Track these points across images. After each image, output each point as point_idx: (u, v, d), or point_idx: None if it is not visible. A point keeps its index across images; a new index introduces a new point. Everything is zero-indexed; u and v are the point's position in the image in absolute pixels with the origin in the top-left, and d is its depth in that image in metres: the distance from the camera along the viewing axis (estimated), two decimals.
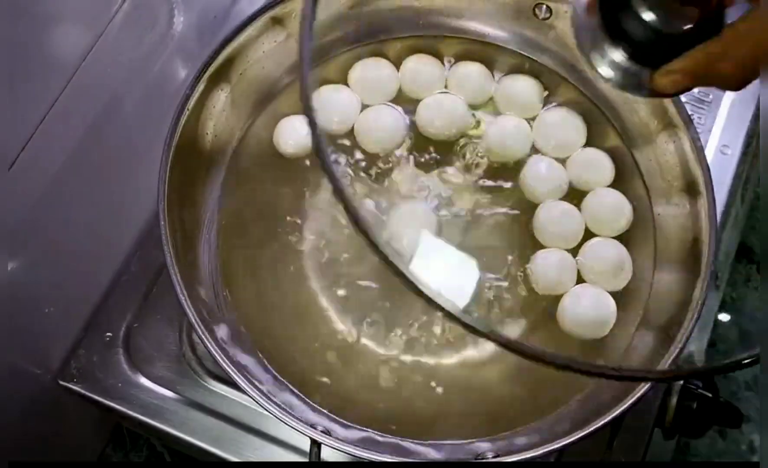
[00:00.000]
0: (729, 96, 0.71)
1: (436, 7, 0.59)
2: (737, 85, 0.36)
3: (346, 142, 0.57)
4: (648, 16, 0.37)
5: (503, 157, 0.57)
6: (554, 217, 0.55)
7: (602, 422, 0.47)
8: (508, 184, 0.57)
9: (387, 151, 0.57)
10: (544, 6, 0.58)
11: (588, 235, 0.55)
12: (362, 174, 0.56)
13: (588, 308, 0.53)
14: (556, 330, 0.53)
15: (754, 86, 0.74)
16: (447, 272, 0.55)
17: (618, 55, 0.38)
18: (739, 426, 0.57)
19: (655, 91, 0.39)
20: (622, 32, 0.38)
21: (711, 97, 0.70)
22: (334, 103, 0.58)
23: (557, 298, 0.53)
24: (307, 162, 0.57)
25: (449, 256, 0.55)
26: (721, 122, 0.69)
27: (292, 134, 0.57)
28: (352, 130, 0.58)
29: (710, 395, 0.57)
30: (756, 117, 0.70)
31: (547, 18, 0.58)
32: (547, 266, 0.54)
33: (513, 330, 0.53)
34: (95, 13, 0.57)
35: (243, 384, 0.47)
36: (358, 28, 0.60)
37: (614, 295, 0.53)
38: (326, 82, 0.59)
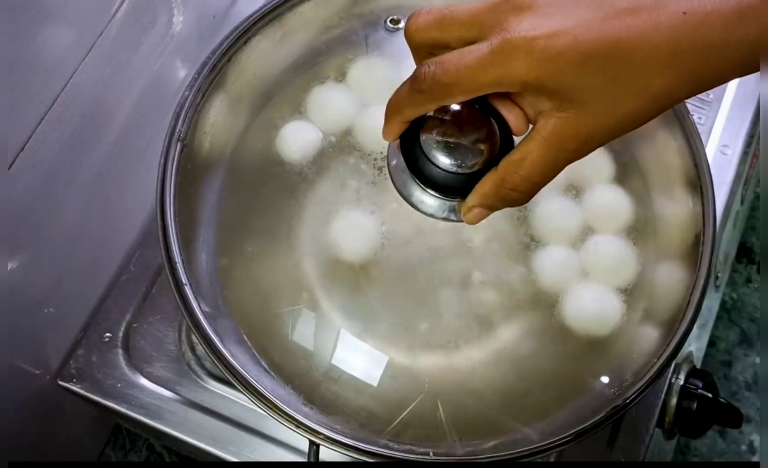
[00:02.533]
0: (729, 96, 0.71)
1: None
2: (525, 202, 0.41)
3: (345, 141, 0.57)
4: (441, 160, 0.42)
5: None
6: (553, 212, 0.55)
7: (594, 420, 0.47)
8: None
9: (384, 153, 0.57)
10: None
11: (588, 233, 0.55)
12: (359, 173, 0.56)
13: (591, 305, 0.53)
14: (559, 328, 0.53)
15: (754, 86, 0.74)
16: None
17: (425, 193, 0.43)
18: (739, 426, 0.57)
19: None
20: (423, 173, 0.42)
21: (711, 96, 0.70)
22: (333, 102, 0.58)
23: (560, 296, 0.53)
24: (306, 164, 0.56)
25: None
26: (721, 122, 0.69)
27: (297, 140, 0.57)
28: (350, 129, 0.57)
29: (710, 395, 0.57)
30: (756, 118, 0.70)
31: None
32: (550, 263, 0.54)
33: (515, 328, 0.53)
34: (95, 13, 0.58)
35: (246, 382, 0.47)
36: (358, 26, 0.60)
37: (618, 292, 0.53)
38: (325, 80, 0.59)
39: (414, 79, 0.39)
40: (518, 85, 0.38)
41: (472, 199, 0.42)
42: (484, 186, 0.41)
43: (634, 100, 0.37)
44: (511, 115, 0.40)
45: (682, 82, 0.37)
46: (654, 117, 0.38)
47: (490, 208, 0.42)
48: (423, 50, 0.41)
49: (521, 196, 0.41)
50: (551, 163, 0.39)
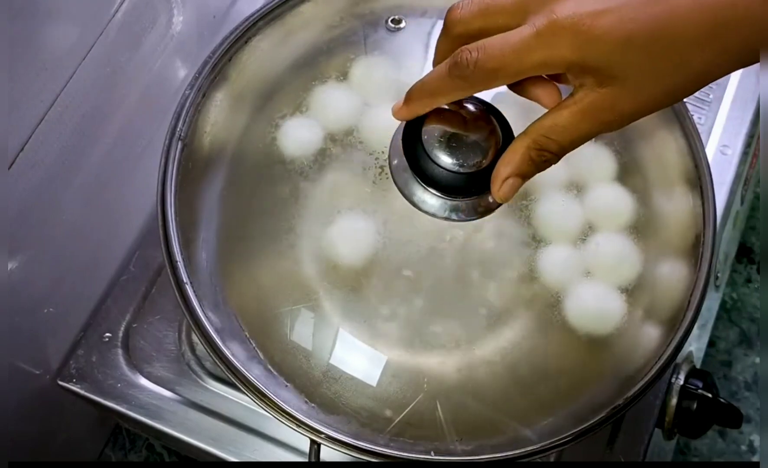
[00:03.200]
0: (729, 96, 0.71)
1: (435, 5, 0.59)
2: (555, 163, 0.41)
3: (346, 141, 0.57)
4: (443, 159, 0.42)
5: None
6: (555, 211, 0.55)
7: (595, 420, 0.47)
8: None
9: (385, 152, 0.56)
10: None
11: (589, 231, 0.55)
12: (361, 172, 0.56)
13: (593, 304, 0.53)
14: (560, 327, 0.52)
15: (754, 86, 0.74)
16: None
17: (427, 193, 0.43)
18: (739, 426, 0.57)
19: (488, 208, 0.44)
20: (425, 173, 0.42)
21: (711, 97, 0.70)
22: (334, 101, 0.58)
23: (561, 295, 0.53)
24: (307, 163, 0.56)
25: None
26: (721, 122, 0.70)
27: (297, 139, 0.57)
28: (352, 129, 0.57)
29: (710, 395, 0.57)
30: (756, 118, 0.70)
31: None
32: (552, 262, 0.53)
33: (516, 327, 0.53)
34: (95, 13, 0.58)
35: (247, 381, 0.48)
36: (358, 26, 0.60)
37: (619, 291, 0.53)
38: (327, 79, 0.59)
39: (455, 64, 0.39)
40: (563, 66, 0.38)
41: (505, 169, 0.41)
42: (515, 153, 0.41)
43: (675, 76, 0.38)
44: (543, 91, 0.41)
45: (721, 58, 0.38)
46: (692, 93, 0.39)
47: (523, 176, 0.42)
48: (459, 41, 0.41)
49: (552, 158, 0.41)
50: (584, 132, 0.40)
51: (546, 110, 0.42)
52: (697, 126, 0.55)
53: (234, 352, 0.49)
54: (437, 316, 0.53)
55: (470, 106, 0.43)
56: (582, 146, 0.55)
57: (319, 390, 0.51)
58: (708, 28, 0.37)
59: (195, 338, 0.61)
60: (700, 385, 0.57)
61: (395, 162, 0.45)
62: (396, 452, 0.47)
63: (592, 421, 0.47)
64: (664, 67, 0.38)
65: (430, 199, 0.44)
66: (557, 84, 0.43)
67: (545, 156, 0.41)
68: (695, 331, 0.56)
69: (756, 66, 0.39)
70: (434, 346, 0.53)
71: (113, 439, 0.75)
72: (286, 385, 0.50)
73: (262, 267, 0.55)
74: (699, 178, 0.54)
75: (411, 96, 0.42)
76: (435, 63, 0.43)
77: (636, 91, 0.38)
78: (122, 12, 0.59)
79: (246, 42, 0.57)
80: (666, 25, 0.37)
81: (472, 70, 0.39)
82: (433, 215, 0.45)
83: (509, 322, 0.53)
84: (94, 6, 0.57)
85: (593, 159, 0.57)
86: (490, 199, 0.44)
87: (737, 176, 0.68)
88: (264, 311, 0.53)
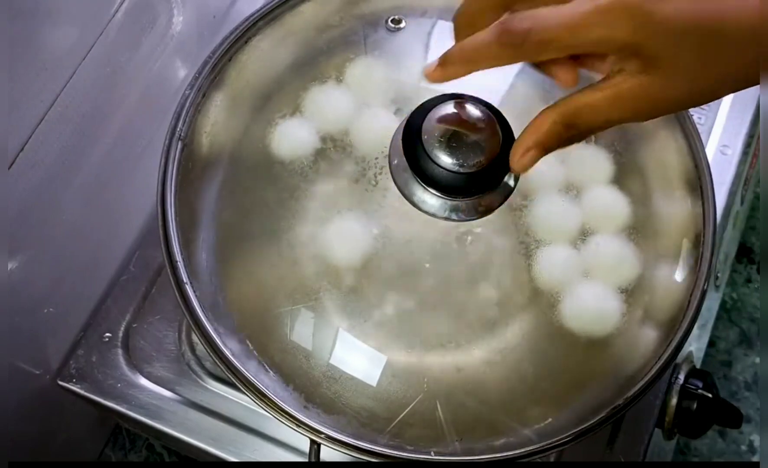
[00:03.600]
0: (729, 96, 0.71)
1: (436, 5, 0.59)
2: (578, 142, 0.40)
3: (346, 141, 0.57)
4: (444, 159, 0.42)
5: None
6: (554, 212, 0.55)
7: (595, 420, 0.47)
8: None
9: (384, 152, 0.56)
10: None
11: (588, 233, 0.55)
12: (360, 173, 0.56)
13: (592, 305, 0.53)
14: (559, 327, 0.52)
15: (754, 87, 0.74)
16: None
17: (427, 193, 0.43)
18: (739, 426, 0.57)
19: (488, 208, 0.44)
20: (425, 173, 0.42)
21: None
22: (334, 102, 0.58)
23: (560, 296, 0.53)
24: (307, 163, 0.56)
25: None
26: (721, 122, 0.70)
27: (298, 139, 0.57)
28: (351, 129, 0.57)
29: (710, 395, 0.57)
30: (756, 118, 0.70)
31: None
32: (551, 263, 0.53)
33: (515, 328, 0.53)
34: (95, 13, 0.58)
35: (247, 381, 0.48)
36: (358, 26, 0.60)
37: (618, 292, 0.53)
38: (326, 80, 0.59)
39: (506, 31, 0.37)
40: (617, 47, 0.37)
41: (530, 137, 0.40)
42: (542, 124, 0.39)
43: (713, 76, 0.38)
44: (563, 69, 0.40)
45: (756, 64, 0.37)
46: (718, 97, 0.40)
47: (546, 149, 0.40)
48: (500, 7, 0.40)
49: (577, 136, 0.40)
50: (614, 117, 0.39)
51: (568, 90, 0.40)
52: (697, 126, 0.55)
53: (234, 353, 0.49)
54: (437, 316, 0.53)
55: (470, 106, 0.43)
56: (581, 147, 0.55)
57: (319, 390, 0.51)
58: (748, 31, 0.37)
59: (195, 338, 0.61)
60: (700, 385, 0.57)
61: (395, 162, 0.45)
62: (396, 452, 0.47)
63: (592, 421, 0.47)
64: (705, 64, 0.37)
65: (430, 199, 0.44)
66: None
67: (571, 133, 0.39)
68: (695, 331, 0.56)
69: None
70: (434, 346, 0.53)
71: (113, 439, 0.75)
72: (286, 385, 0.50)
73: (262, 267, 0.55)
74: (699, 178, 0.54)
75: (449, 59, 0.40)
76: (461, 14, 0.41)
77: (674, 85, 0.37)
78: (122, 12, 0.59)
79: (246, 42, 0.57)
80: (718, 23, 0.37)
81: (522, 39, 0.37)
82: (433, 215, 0.45)
83: (509, 323, 0.53)
84: (94, 6, 0.57)
85: (593, 159, 0.57)
86: (490, 199, 0.44)
87: (737, 176, 0.68)
88: (264, 311, 0.53)
